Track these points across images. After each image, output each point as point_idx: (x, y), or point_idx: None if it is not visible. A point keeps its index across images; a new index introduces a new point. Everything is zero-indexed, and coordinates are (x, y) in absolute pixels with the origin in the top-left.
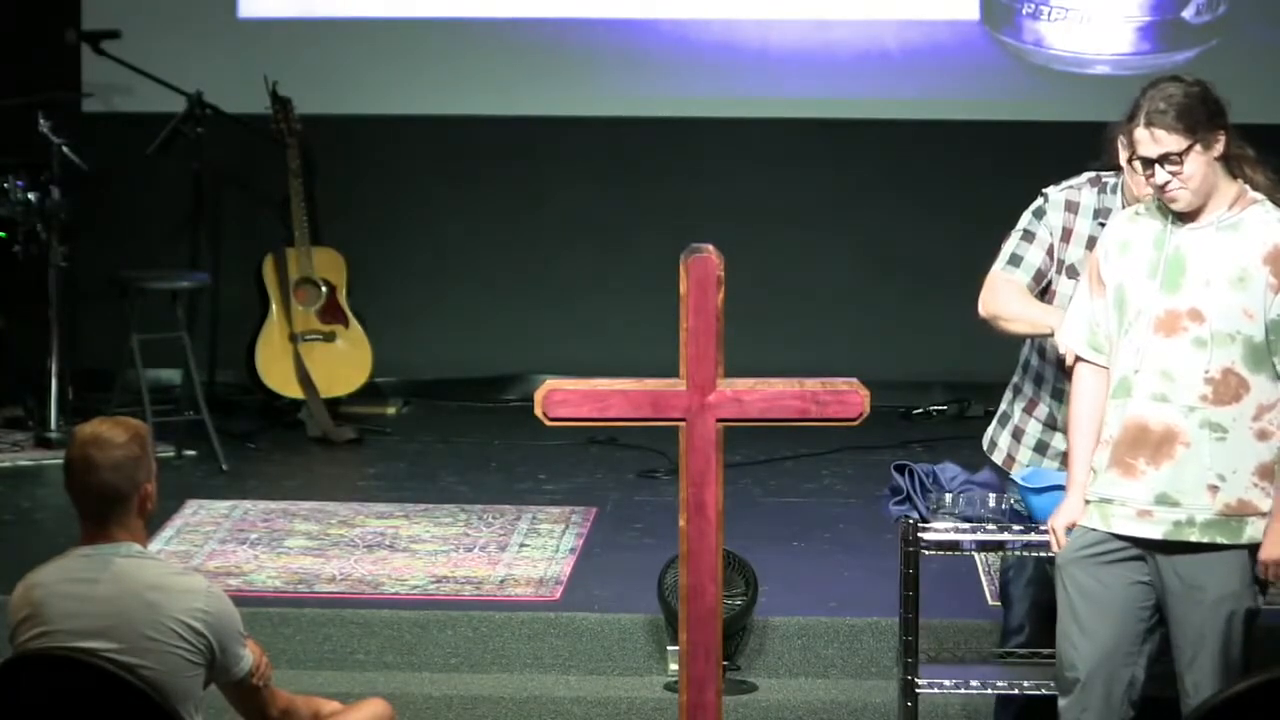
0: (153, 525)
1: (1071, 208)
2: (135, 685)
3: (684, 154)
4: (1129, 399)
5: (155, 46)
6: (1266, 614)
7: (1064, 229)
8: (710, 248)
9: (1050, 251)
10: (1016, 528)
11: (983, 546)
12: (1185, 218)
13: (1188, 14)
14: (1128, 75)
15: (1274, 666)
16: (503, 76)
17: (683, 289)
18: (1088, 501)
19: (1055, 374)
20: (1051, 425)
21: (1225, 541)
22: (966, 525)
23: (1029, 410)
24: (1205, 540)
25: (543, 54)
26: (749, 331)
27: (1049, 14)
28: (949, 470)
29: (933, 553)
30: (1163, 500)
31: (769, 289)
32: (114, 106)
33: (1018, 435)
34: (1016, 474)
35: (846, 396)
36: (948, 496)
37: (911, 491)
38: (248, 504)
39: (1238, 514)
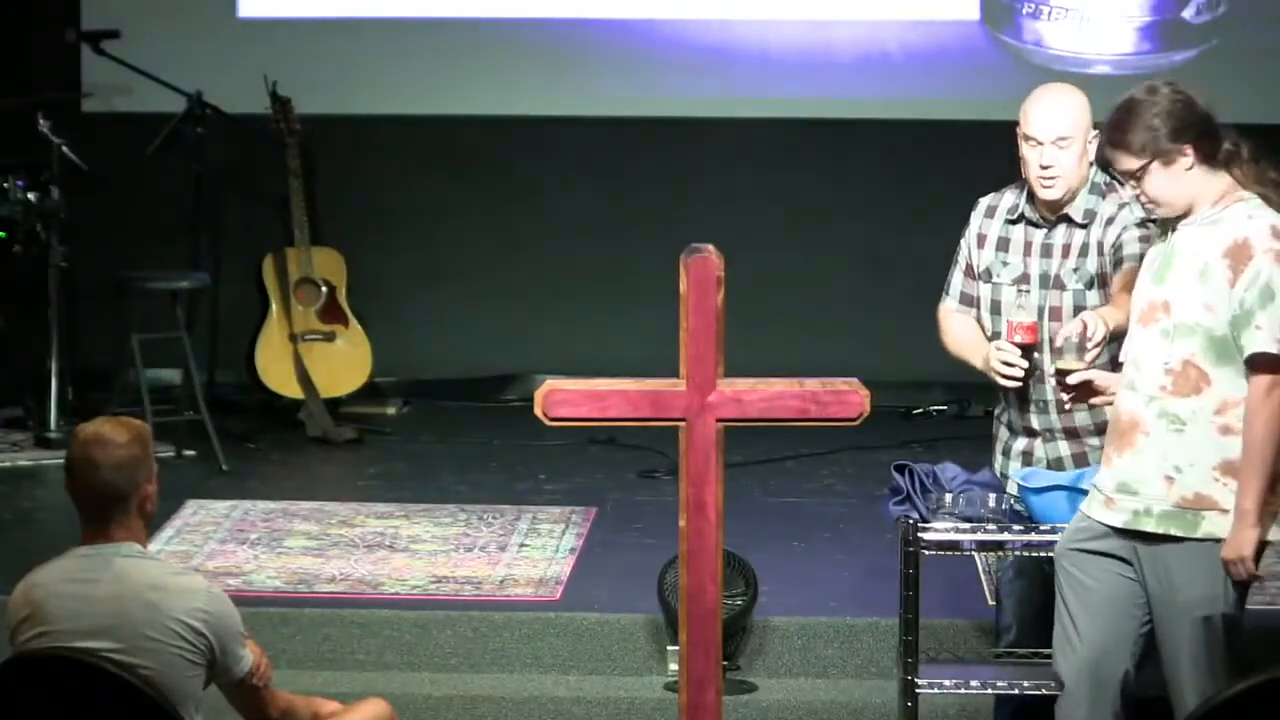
0: (153, 525)
1: (990, 212)
2: (135, 685)
3: (684, 154)
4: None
5: (155, 46)
6: (1265, 614)
7: (978, 235)
8: (710, 248)
9: (968, 268)
10: (1016, 528)
11: (983, 546)
12: (1182, 215)
13: (1188, 14)
14: (1128, 75)
15: (1274, 667)
16: (503, 76)
17: (683, 289)
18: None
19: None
20: (1010, 428)
21: (1180, 534)
22: (966, 525)
23: (1000, 417)
24: (1161, 531)
25: (543, 54)
26: (749, 331)
27: (1049, 14)
28: (949, 470)
29: (933, 553)
30: (1123, 489)
31: (769, 289)
32: (114, 106)
33: (994, 442)
34: (1016, 474)
35: (846, 396)
36: (948, 496)
37: (911, 491)
38: (248, 504)
39: (1194, 507)
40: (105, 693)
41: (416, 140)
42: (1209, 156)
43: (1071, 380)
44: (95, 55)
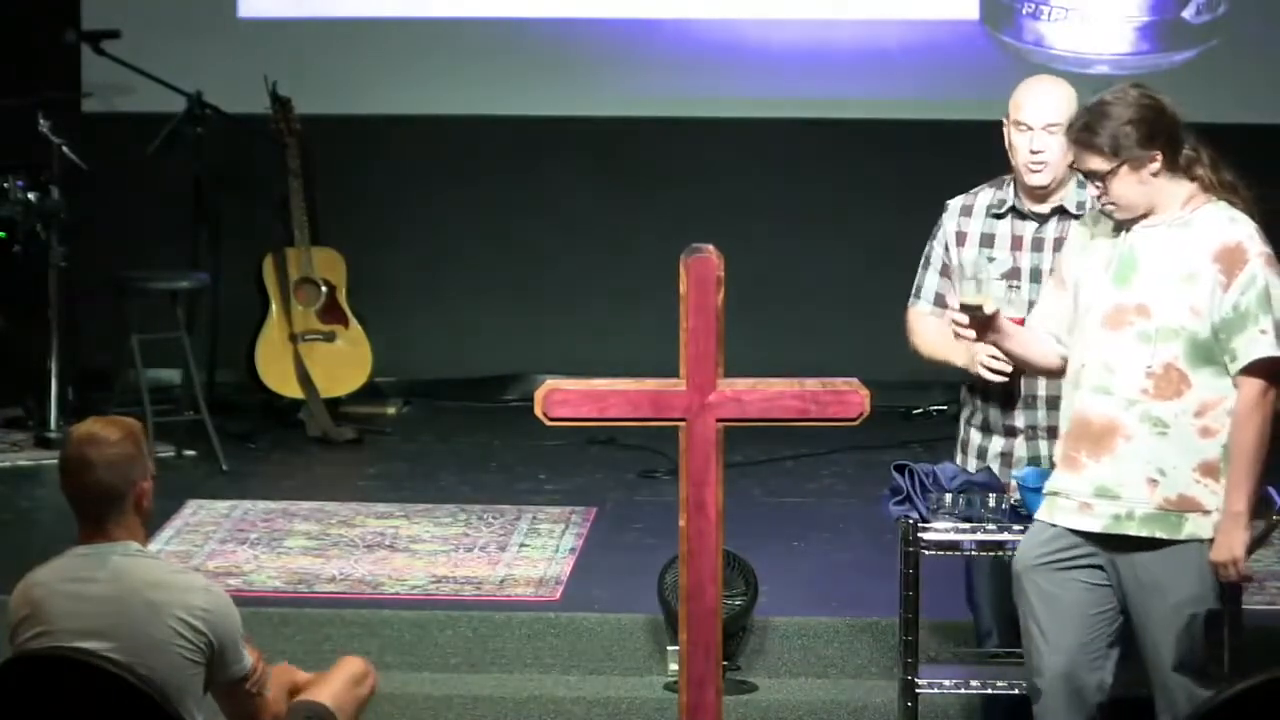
0: (153, 525)
1: (966, 211)
2: (135, 685)
3: (684, 154)
4: (1076, 392)
5: (155, 46)
6: (1265, 614)
7: (957, 233)
8: (710, 248)
9: (945, 269)
10: (1016, 528)
11: (983, 546)
12: (1138, 217)
13: (1188, 14)
14: (1128, 75)
15: (1274, 667)
16: (503, 76)
17: (683, 289)
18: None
19: (985, 382)
20: (985, 429)
21: (1164, 536)
22: (966, 525)
23: (970, 420)
24: (1144, 534)
25: (543, 54)
26: (749, 331)
27: (1049, 14)
28: (949, 470)
29: (933, 553)
30: (1102, 493)
31: (769, 289)
32: (114, 106)
33: (963, 446)
34: (1016, 473)
35: (846, 396)
36: (948, 496)
37: (911, 491)
38: (248, 504)
39: (1177, 509)
40: (105, 692)
41: (416, 140)
42: (1174, 162)
43: (987, 310)
44: (95, 55)
